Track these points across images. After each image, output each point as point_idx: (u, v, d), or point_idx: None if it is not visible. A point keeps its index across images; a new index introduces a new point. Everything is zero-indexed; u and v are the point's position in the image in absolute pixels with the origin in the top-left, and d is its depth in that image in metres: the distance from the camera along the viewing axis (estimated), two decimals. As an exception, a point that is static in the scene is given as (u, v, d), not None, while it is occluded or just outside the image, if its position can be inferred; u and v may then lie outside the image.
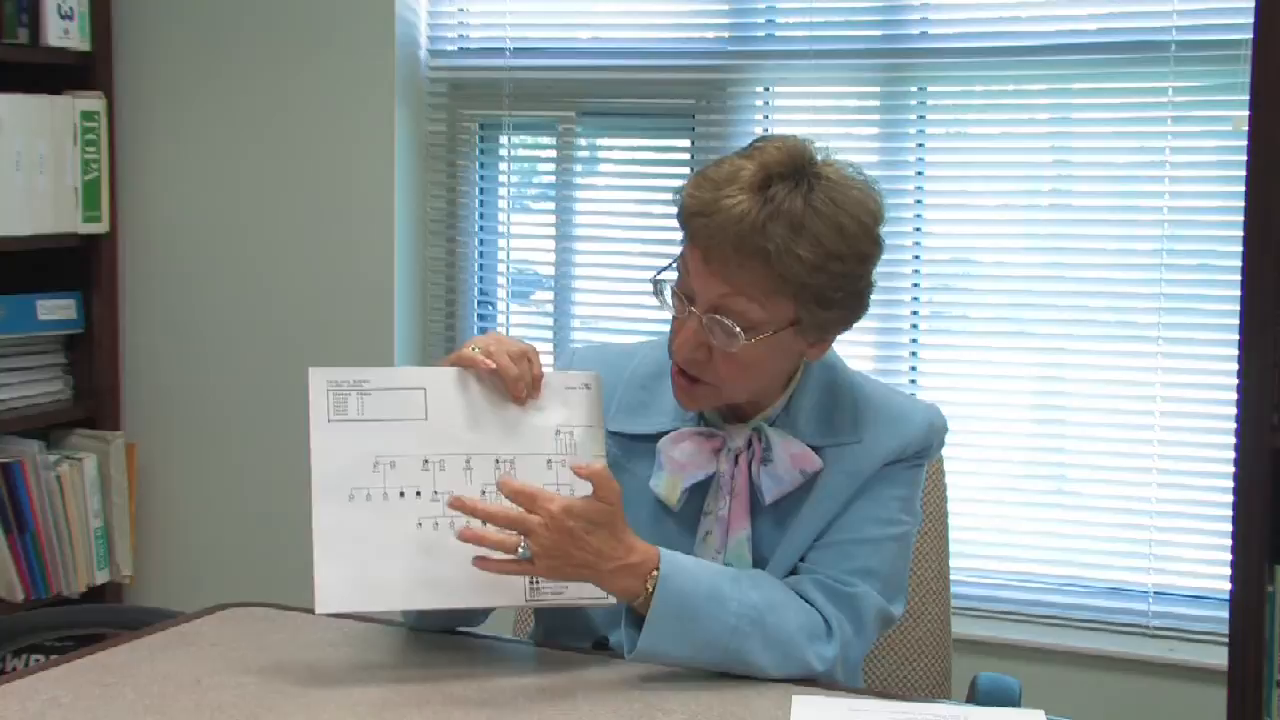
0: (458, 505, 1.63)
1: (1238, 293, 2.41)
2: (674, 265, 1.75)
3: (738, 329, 1.67)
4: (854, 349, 2.98)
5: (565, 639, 1.85)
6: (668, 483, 1.79)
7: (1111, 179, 2.98)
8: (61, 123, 3.37)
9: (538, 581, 1.68)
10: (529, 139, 3.49)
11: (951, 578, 2.16)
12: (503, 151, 3.46)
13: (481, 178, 3.47)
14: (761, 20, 3.22)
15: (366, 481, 1.68)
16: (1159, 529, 2.98)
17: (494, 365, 1.72)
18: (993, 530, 3.09)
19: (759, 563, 1.80)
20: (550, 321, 3.43)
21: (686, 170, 3.27)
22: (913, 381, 3.12)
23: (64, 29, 3.37)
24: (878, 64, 3.11)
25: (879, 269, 1.75)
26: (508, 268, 3.47)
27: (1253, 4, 2.38)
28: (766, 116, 3.23)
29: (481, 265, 3.49)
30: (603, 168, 3.50)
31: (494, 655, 1.78)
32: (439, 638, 1.82)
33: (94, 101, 3.44)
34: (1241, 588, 2.43)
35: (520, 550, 1.63)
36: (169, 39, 3.55)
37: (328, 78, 3.42)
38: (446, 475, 1.70)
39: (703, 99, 3.24)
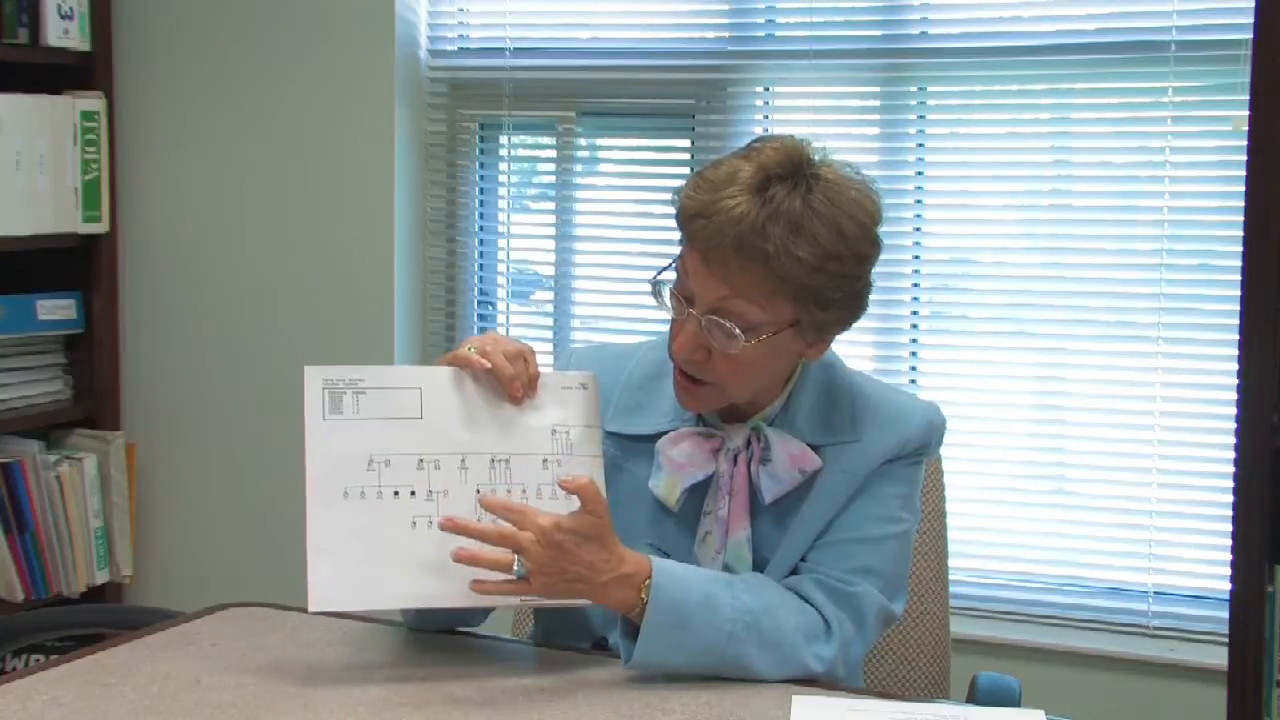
0: (450, 526, 1.63)
1: (1238, 293, 2.41)
2: (673, 266, 1.75)
3: (737, 330, 1.67)
4: (854, 349, 2.99)
5: (565, 639, 1.85)
6: (667, 483, 1.79)
7: (1111, 179, 2.98)
8: (61, 123, 3.37)
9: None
10: (529, 139, 3.49)
11: (951, 578, 2.16)
12: (503, 151, 3.46)
13: (481, 178, 3.47)
14: (761, 20, 3.22)
15: (361, 480, 1.68)
16: (1159, 529, 2.98)
17: (490, 365, 1.72)
18: (992, 530, 3.09)
19: (759, 563, 1.79)
20: (550, 321, 3.43)
21: (686, 170, 3.27)
22: (913, 381, 3.12)
23: (64, 29, 3.37)
24: (878, 64, 3.11)
25: (878, 269, 1.75)
26: (508, 268, 3.47)
27: (1253, 4, 2.38)
28: (766, 116, 3.23)
29: (481, 265, 3.49)
30: (603, 168, 3.50)
31: (494, 655, 1.78)
32: (439, 638, 1.82)
33: (94, 101, 3.44)
34: (1241, 588, 2.43)
35: (515, 569, 1.63)
36: (169, 39, 3.55)
37: (328, 78, 3.42)
38: (441, 474, 1.70)
39: (703, 99, 3.24)
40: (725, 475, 1.79)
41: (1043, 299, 3.03)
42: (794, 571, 1.79)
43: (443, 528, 1.64)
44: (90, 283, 3.53)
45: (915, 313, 3.14)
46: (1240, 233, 2.40)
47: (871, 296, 1.76)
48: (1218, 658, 2.63)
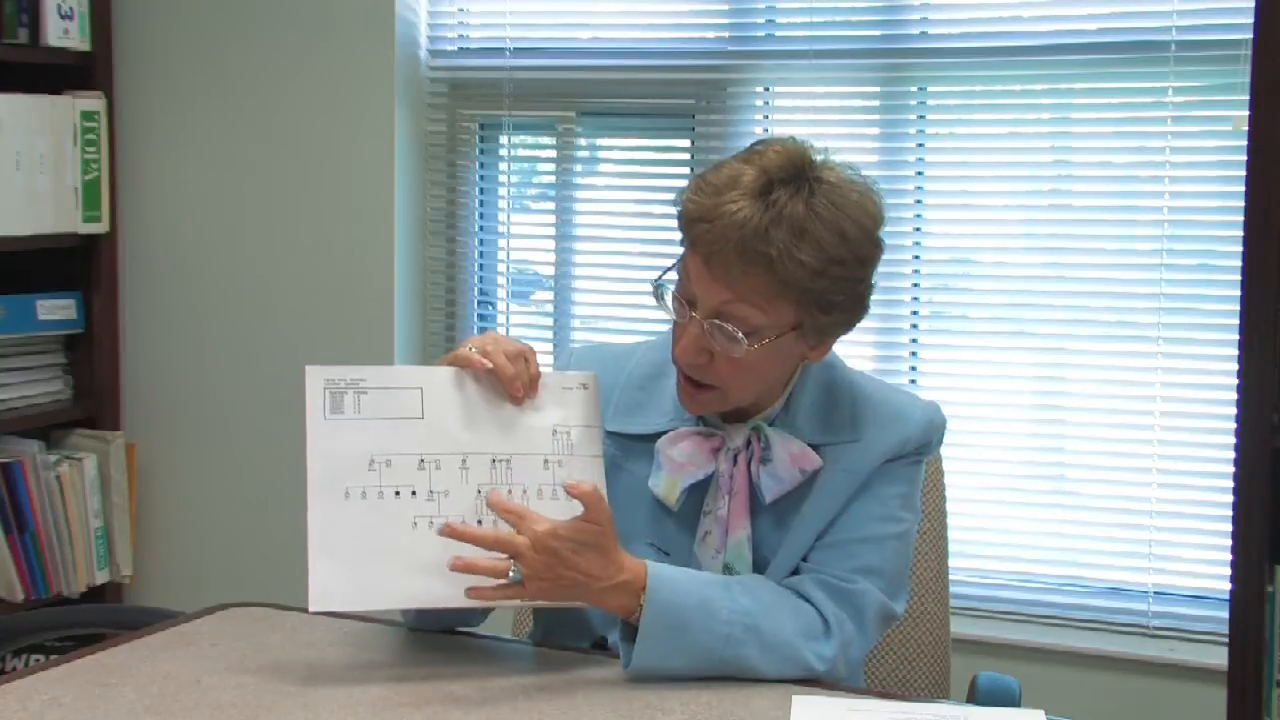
0: (448, 533, 1.64)
1: (1238, 293, 2.41)
2: (674, 269, 1.75)
3: (740, 334, 1.67)
4: (854, 349, 2.98)
5: (564, 638, 1.85)
6: (667, 483, 1.79)
7: (1111, 179, 2.98)
8: (61, 123, 3.37)
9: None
10: (529, 139, 3.49)
11: (951, 577, 2.16)
12: (503, 151, 3.46)
13: (481, 178, 3.47)
14: (761, 20, 3.22)
15: (362, 480, 1.68)
16: (1159, 529, 2.98)
17: (491, 365, 1.72)
18: (992, 530, 3.09)
19: (759, 562, 1.80)
20: (550, 321, 3.43)
21: (686, 170, 3.27)
22: (913, 381, 3.12)
23: (64, 29, 3.37)
24: (878, 64, 3.11)
25: (879, 269, 1.75)
26: (508, 268, 3.47)
27: (1253, 4, 2.38)
28: (766, 117, 3.23)
29: (481, 265, 3.49)
30: (603, 168, 3.50)
31: (494, 655, 1.78)
32: (439, 638, 1.82)
33: (94, 101, 3.44)
34: (1241, 588, 2.43)
35: (511, 575, 1.63)
36: (169, 39, 3.55)
37: (328, 78, 3.42)
38: (442, 474, 1.70)
39: (703, 99, 3.24)
40: (725, 475, 1.79)
41: (1043, 299, 3.03)
42: (795, 571, 1.79)
43: (440, 534, 1.64)
44: (90, 283, 3.53)
45: (915, 313, 3.14)
46: (1240, 233, 2.40)
47: (872, 297, 1.76)
48: (1218, 658, 2.63)
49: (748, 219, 1.64)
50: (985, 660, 2.78)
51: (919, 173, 3.11)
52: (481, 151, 3.47)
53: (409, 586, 1.67)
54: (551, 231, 3.41)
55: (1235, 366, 2.41)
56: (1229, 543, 2.45)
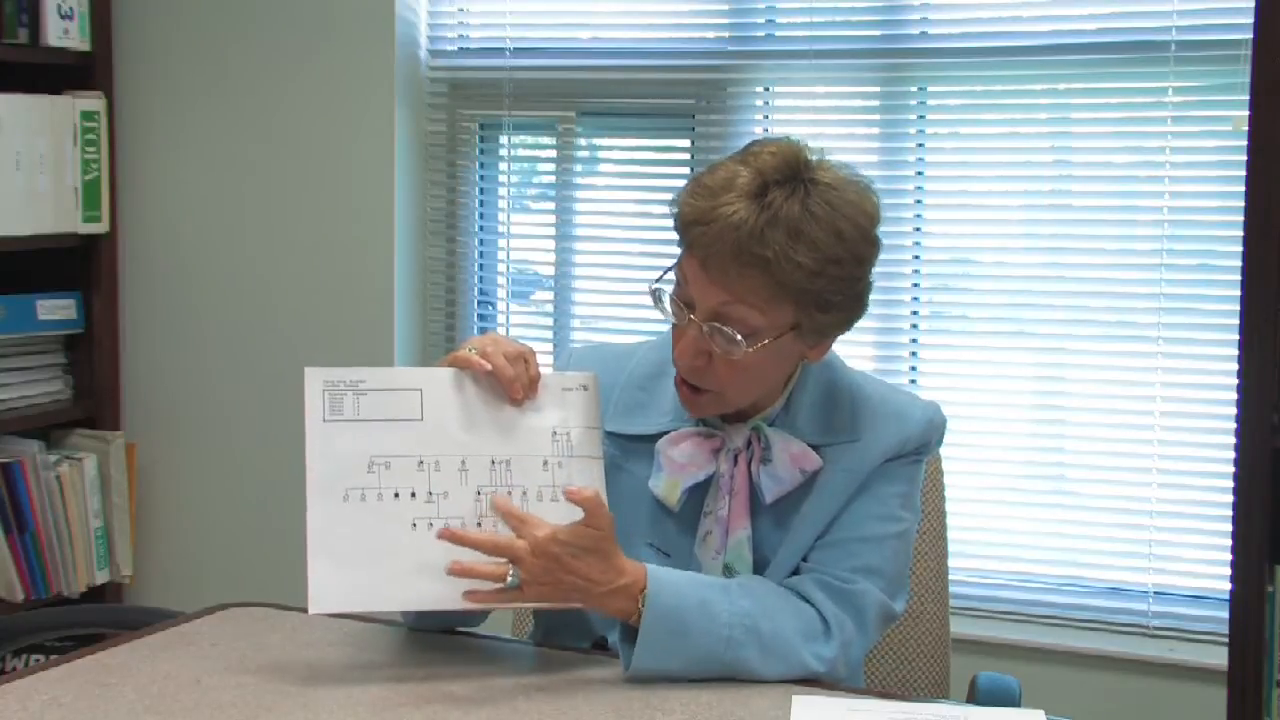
0: (447, 536, 1.64)
1: (1238, 293, 2.41)
2: (672, 272, 1.75)
3: (739, 336, 1.67)
4: (854, 349, 2.98)
5: (565, 639, 1.85)
6: (667, 483, 1.79)
7: (1111, 179, 2.98)
8: (61, 123, 3.37)
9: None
10: (529, 139, 3.49)
11: (951, 577, 2.16)
12: (503, 151, 3.46)
13: (481, 178, 3.47)
14: (761, 20, 3.22)
15: (361, 482, 1.68)
16: (1159, 529, 2.98)
17: (490, 366, 1.72)
18: (992, 530, 3.09)
19: (759, 563, 1.80)
20: (550, 321, 3.43)
21: (686, 170, 3.27)
22: (913, 381, 3.12)
23: (64, 29, 3.37)
24: (878, 64, 3.11)
25: (878, 269, 1.75)
26: (508, 268, 3.47)
27: (1253, 4, 2.38)
28: (766, 117, 3.23)
29: (481, 265, 3.49)
30: (603, 168, 3.50)
31: (494, 655, 1.78)
32: (439, 638, 1.82)
33: (94, 101, 3.44)
34: (1241, 588, 2.43)
35: (509, 579, 1.63)
36: (169, 39, 3.55)
37: (328, 78, 3.42)
38: (442, 476, 1.70)
39: (703, 99, 3.24)
40: (726, 475, 1.79)
41: (1043, 299, 3.03)
42: (795, 571, 1.79)
43: (440, 537, 1.64)
44: (90, 283, 3.53)
45: (915, 313, 3.14)
46: (1240, 233, 2.40)
47: (871, 296, 1.76)
48: (1218, 658, 2.63)
49: (743, 221, 1.63)
50: (985, 660, 2.78)
51: (919, 173, 3.11)
52: (481, 151, 3.47)
53: (408, 588, 1.67)
54: (551, 231, 3.41)
55: (1235, 366, 2.42)
56: (1229, 543, 2.45)
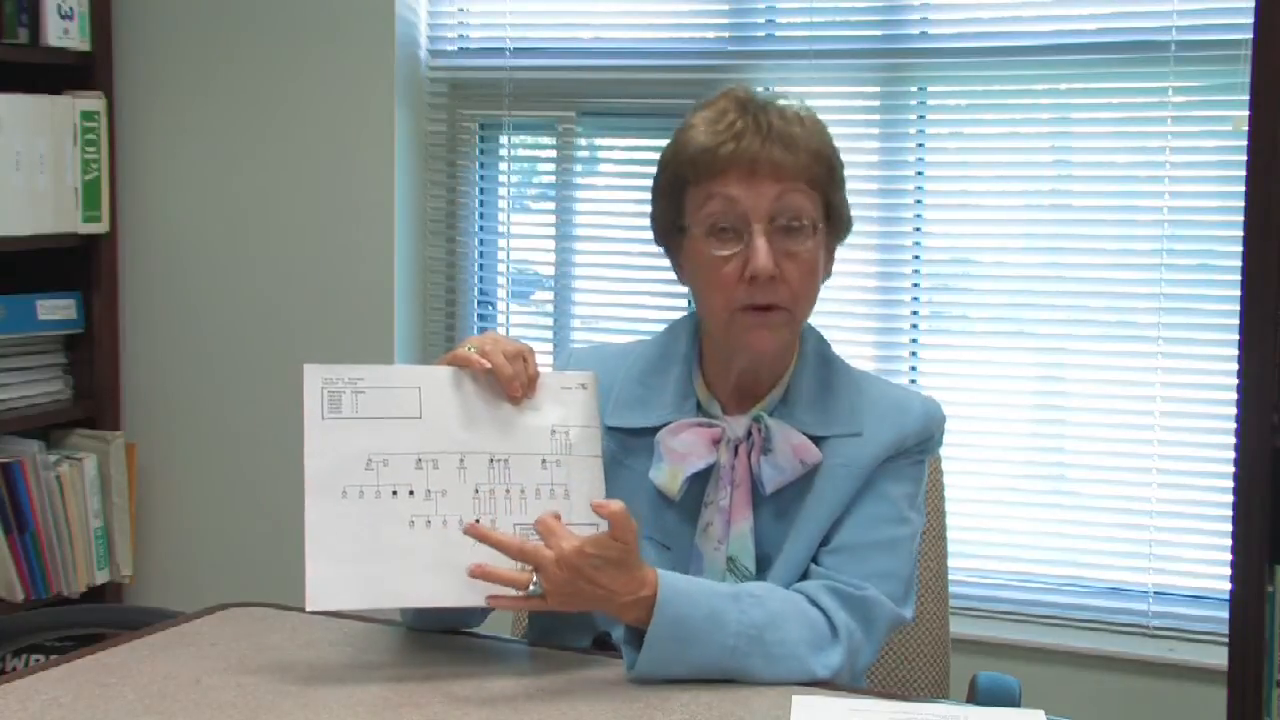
0: (472, 532, 1.64)
1: (1238, 293, 2.41)
2: (682, 234, 1.79)
3: (804, 220, 1.74)
4: (854, 349, 2.99)
5: (564, 635, 1.85)
6: (668, 473, 1.79)
7: (1111, 179, 2.98)
8: (61, 123, 3.37)
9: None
10: (529, 139, 3.49)
11: (951, 577, 2.16)
12: (503, 151, 3.46)
13: (481, 178, 3.47)
14: (761, 20, 3.22)
15: (359, 479, 1.68)
16: (1159, 529, 2.98)
17: (489, 364, 1.72)
18: (992, 530, 3.09)
19: (761, 558, 1.80)
20: (550, 321, 3.43)
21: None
22: (913, 381, 3.12)
23: (64, 29, 3.37)
24: (878, 64, 3.11)
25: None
26: (508, 268, 3.47)
27: (1253, 4, 2.38)
28: (766, 116, 3.22)
29: (481, 265, 3.49)
30: (603, 168, 3.50)
31: (494, 655, 1.78)
32: (439, 638, 1.81)
33: (94, 101, 3.44)
34: (1241, 588, 2.43)
35: (531, 587, 1.62)
36: (169, 39, 3.55)
37: (328, 78, 3.42)
38: (440, 474, 1.70)
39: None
40: (726, 466, 1.79)
41: (1043, 299, 3.03)
42: (805, 573, 1.79)
43: (466, 533, 1.64)
44: (90, 283, 3.53)
45: (915, 313, 3.14)
46: (1240, 233, 2.40)
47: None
48: (1218, 658, 2.63)
49: (759, 121, 1.75)
50: (985, 660, 2.78)
51: (919, 173, 3.11)
52: (481, 151, 3.47)
53: (406, 585, 1.67)
54: (551, 231, 3.41)
55: (1235, 366, 2.41)
56: (1229, 543, 2.45)
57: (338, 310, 3.44)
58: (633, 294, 3.33)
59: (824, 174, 1.77)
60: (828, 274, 1.83)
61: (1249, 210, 2.38)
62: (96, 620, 2.40)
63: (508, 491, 1.70)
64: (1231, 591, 2.45)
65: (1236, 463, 2.42)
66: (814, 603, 1.74)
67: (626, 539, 1.63)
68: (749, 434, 1.79)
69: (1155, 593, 3.00)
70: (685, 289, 1.88)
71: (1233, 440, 2.43)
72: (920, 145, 3.10)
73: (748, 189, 1.74)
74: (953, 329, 3.14)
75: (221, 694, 1.60)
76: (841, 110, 3.18)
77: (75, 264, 3.51)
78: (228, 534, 3.58)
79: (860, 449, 1.80)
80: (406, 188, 3.42)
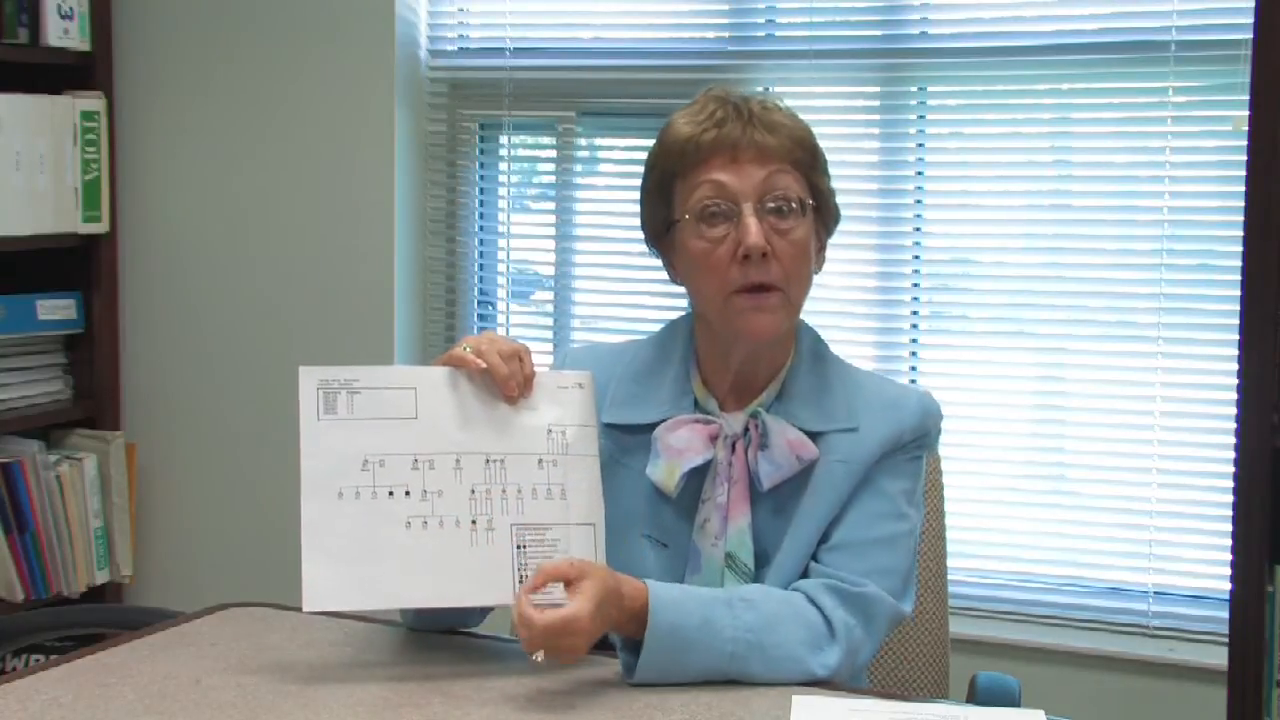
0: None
1: (1238, 293, 2.41)
2: (673, 230, 1.80)
3: (791, 200, 1.76)
4: (854, 349, 2.99)
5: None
6: (665, 469, 1.79)
7: (1111, 179, 2.98)
8: (61, 123, 3.37)
9: (527, 578, 1.66)
10: (529, 139, 3.49)
11: (951, 577, 2.16)
12: (503, 151, 3.46)
13: (481, 178, 3.47)
14: (761, 20, 3.22)
15: (355, 480, 1.68)
16: (1159, 529, 2.98)
17: (485, 364, 1.72)
18: (992, 530, 3.09)
19: (759, 555, 1.80)
20: (550, 321, 3.43)
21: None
22: (913, 381, 3.11)
23: (64, 29, 3.37)
24: (878, 64, 3.11)
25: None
26: (508, 268, 3.47)
27: (1253, 4, 2.38)
28: (766, 116, 3.22)
29: (481, 265, 3.49)
30: (603, 168, 3.50)
31: (494, 655, 1.78)
32: (439, 638, 1.82)
33: (94, 101, 3.44)
34: (1241, 588, 2.43)
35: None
36: (169, 39, 3.55)
37: (328, 78, 3.42)
38: (436, 474, 1.70)
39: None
40: (724, 462, 1.80)
41: (1043, 299, 3.03)
42: (804, 570, 1.79)
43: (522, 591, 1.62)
44: (90, 283, 3.53)
45: (915, 313, 3.14)
46: (1240, 233, 2.40)
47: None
48: (1218, 658, 2.63)
49: (740, 109, 1.78)
50: (985, 660, 2.78)
51: (919, 173, 3.11)
52: (481, 151, 3.47)
53: (402, 586, 1.67)
54: (551, 231, 3.41)
55: (1235, 366, 2.41)
56: (1229, 543, 2.45)
57: (338, 310, 3.44)
58: (632, 294, 3.33)
59: (807, 158, 1.79)
60: (820, 266, 1.84)
61: (1249, 210, 2.38)
62: (96, 620, 2.40)
63: (504, 491, 1.71)
64: (1231, 591, 2.45)
65: (1236, 463, 2.41)
66: (812, 601, 1.74)
67: (582, 588, 1.60)
68: (746, 430, 1.80)
69: (1155, 593, 3.00)
70: (684, 289, 1.87)
71: (1233, 440, 2.43)
72: (920, 145, 3.10)
73: (734, 173, 1.76)
74: (953, 329, 3.14)
75: (221, 694, 1.60)
76: (841, 110, 3.19)
77: (75, 264, 3.51)
78: (228, 534, 3.59)
79: (857, 445, 1.80)
80: (406, 188, 3.42)
